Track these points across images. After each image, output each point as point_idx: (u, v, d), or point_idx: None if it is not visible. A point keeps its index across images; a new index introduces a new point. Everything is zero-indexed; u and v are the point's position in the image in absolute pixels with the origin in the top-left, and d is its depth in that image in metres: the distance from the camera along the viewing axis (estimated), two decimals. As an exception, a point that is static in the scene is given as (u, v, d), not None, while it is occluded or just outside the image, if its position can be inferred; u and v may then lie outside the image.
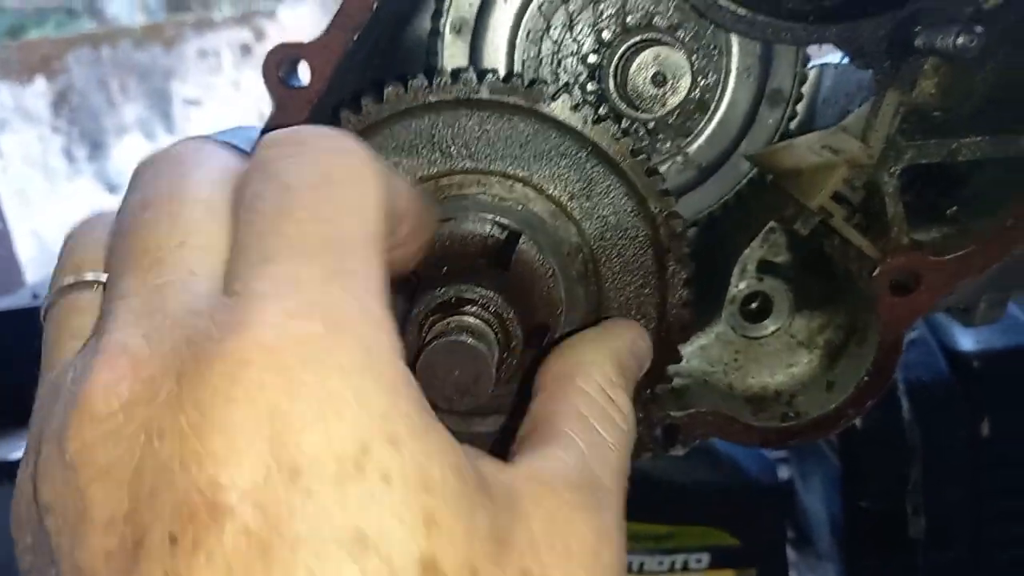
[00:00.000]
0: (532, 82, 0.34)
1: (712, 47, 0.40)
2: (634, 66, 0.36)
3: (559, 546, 0.25)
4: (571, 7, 0.38)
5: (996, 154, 0.38)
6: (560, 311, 0.37)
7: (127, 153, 4.33)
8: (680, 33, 0.38)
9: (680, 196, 0.45)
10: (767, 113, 0.43)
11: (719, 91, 0.42)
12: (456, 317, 0.31)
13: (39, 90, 4.09)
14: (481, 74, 0.34)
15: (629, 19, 0.37)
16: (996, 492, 0.76)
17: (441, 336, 0.30)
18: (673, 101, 0.37)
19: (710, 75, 0.41)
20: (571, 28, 0.38)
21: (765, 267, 0.46)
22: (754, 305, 0.46)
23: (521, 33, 0.39)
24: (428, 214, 0.30)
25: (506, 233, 0.35)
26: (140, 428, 0.21)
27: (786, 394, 0.46)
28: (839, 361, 0.45)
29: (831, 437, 0.72)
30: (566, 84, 0.39)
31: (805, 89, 0.44)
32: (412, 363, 0.29)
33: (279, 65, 0.36)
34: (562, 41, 0.38)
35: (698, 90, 0.40)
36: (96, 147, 4.23)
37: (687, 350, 0.45)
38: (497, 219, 0.35)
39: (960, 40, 0.31)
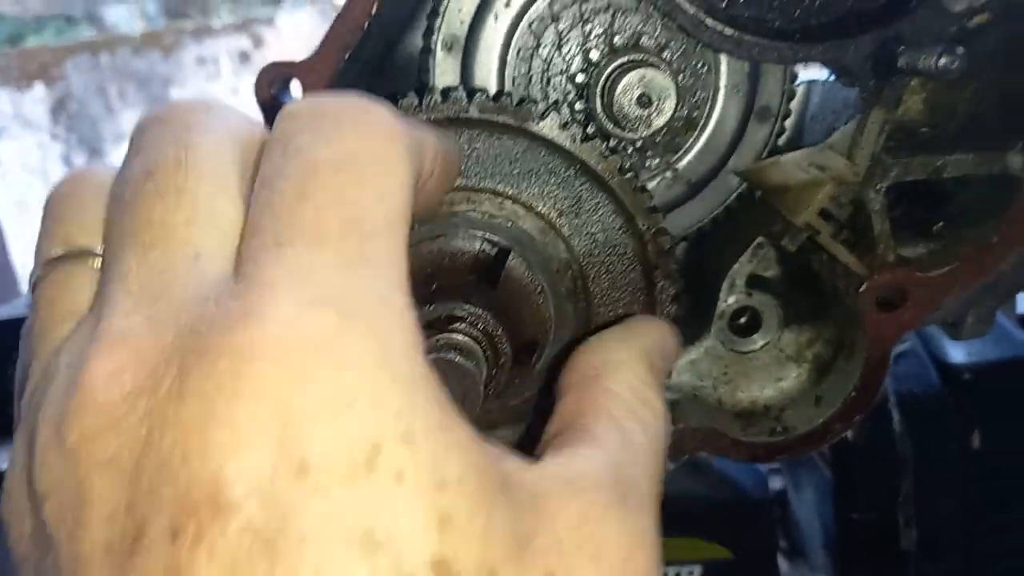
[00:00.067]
0: (521, 101, 0.35)
1: (700, 65, 0.41)
2: (620, 87, 0.36)
3: (588, 548, 0.24)
4: (560, 26, 0.38)
5: (980, 171, 0.38)
6: (549, 327, 0.37)
7: (125, 160, 4.31)
8: (667, 53, 0.38)
9: (670, 211, 0.45)
10: (756, 129, 0.44)
11: (708, 108, 0.43)
12: (445, 335, 0.31)
13: (38, 97, 4.10)
14: (471, 93, 0.34)
15: (617, 39, 0.37)
16: (988, 504, 0.76)
17: (429, 354, 0.31)
18: (659, 122, 0.37)
19: (698, 92, 0.41)
20: (560, 47, 0.38)
21: (754, 282, 0.46)
22: (743, 320, 0.46)
23: (512, 51, 0.40)
24: (454, 159, 0.28)
25: (496, 250, 0.36)
26: (142, 420, 0.20)
27: (775, 409, 0.46)
28: (827, 376, 0.45)
29: (823, 449, 0.72)
30: (555, 102, 0.39)
31: (793, 105, 0.44)
32: None
33: (271, 83, 0.37)
34: (551, 60, 0.39)
35: (686, 108, 0.41)
36: (95, 154, 4.23)
37: (677, 364, 0.45)
38: (487, 236, 0.36)
39: (942, 61, 0.32)
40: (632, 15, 0.37)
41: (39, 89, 4.05)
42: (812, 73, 0.46)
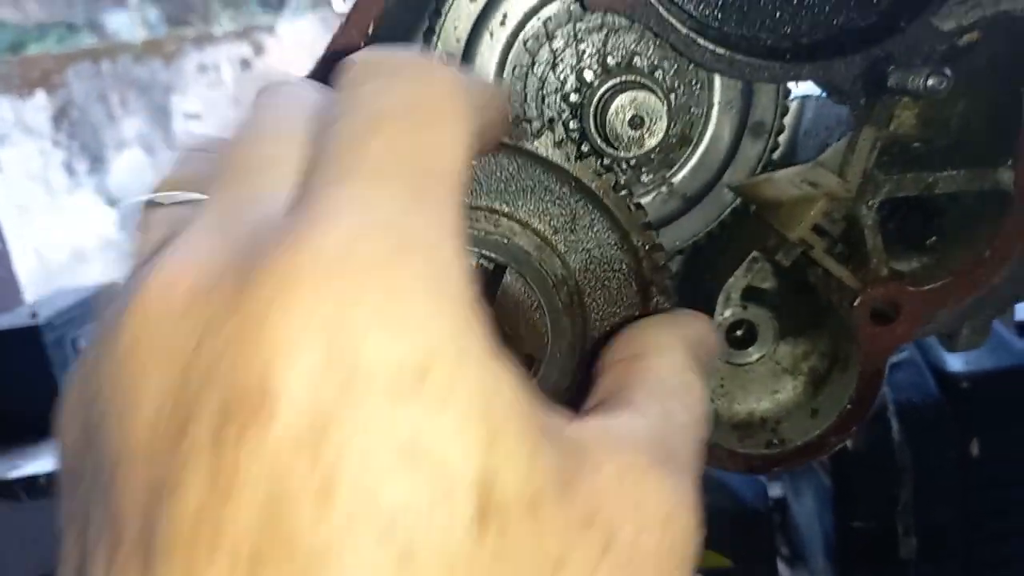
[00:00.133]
0: (516, 119, 0.35)
1: (694, 82, 0.41)
2: (612, 109, 0.37)
3: (629, 500, 0.24)
4: (555, 44, 0.39)
5: (972, 187, 0.39)
6: (546, 342, 0.37)
7: (127, 167, 4.34)
8: (660, 73, 0.38)
9: (665, 225, 0.45)
10: (750, 145, 0.44)
11: (702, 124, 0.43)
12: None
13: (40, 104, 4.11)
14: None
15: (610, 59, 0.38)
16: (987, 512, 0.76)
17: None
18: (651, 143, 0.37)
19: (693, 109, 0.42)
20: (554, 66, 0.38)
21: (749, 295, 0.46)
22: (739, 332, 0.47)
23: (507, 69, 0.40)
24: (507, 112, 0.30)
25: (492, 267, 0.36)
26: (195, 325, 0.21)
27: (772, 421, 0.47)
28: (823, 388, 0.46)
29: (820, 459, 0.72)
30: (550, 120, 0.39)
31: (787, 121, 0.44)
32: None
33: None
34: (546, 78, 0.39)
35: (680, 125, 0.41)
36: (96, 161, 4.25)
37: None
38: (483, 253, 0.36)
39: (930, 82, 0.32)
40: (625, 34, 0.38)
41: (41, 96, 4.07)
42: (806, 88, 0.46)
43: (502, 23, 0.39)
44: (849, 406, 0.43)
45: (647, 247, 0.38)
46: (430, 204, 0.22)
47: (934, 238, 0.43)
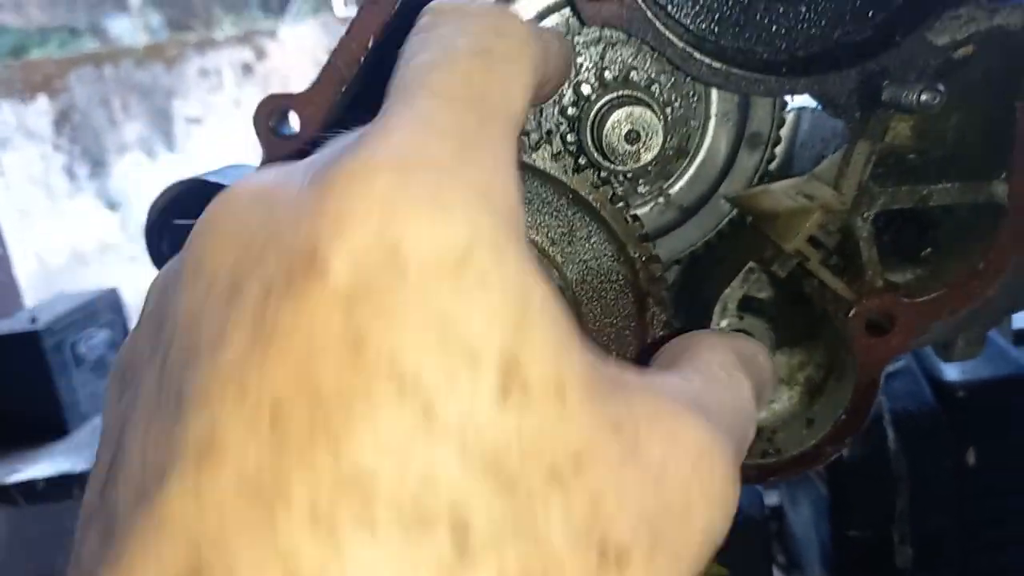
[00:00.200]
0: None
1: (691, 95, 0.41)
2: (608, 123, 0.37)
3: (663, 427, 0.24)
4: (553, 57, 0.39)
5: (966, 200, 0.39)
6: None
7: (128, 171, 4.35)
8: (656, 87, 0.39)
9: (662, 236, 0.46)
10: (746, 156, 0.44)
11: (699, 136, 0.43)
12: None
13: (41, 108, 4.12)
14: None
15: (607, 73, 0.38)
16: (983, 521, 0.76)
17: None
18: (647, 157, 0.38)
19: (690, 122, 0.42)
20: (552, 79, 0.39)
21: (746, 305, 0.47)
22: (735, 343, 0.47)
23: (505, 81, 0.41)
24: (570, 65, 0.31)
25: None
26: (266, 209, 0.22)
27: (767, 430, 0.47)
28: (818, 398, 0.46)
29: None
30: (548, 132, 0.40)
31: (783, 133, 0.45)
32: None
33: (270, 116, 0.38)
34: None
35: (677, 138, 0.41)
36: (97, 165, 4.26)
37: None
38: None
39: (924, 97, 0.32)
40: (622, 48, 0.38)
41: (42, 101, 4.08)
42: (802, 100, 0.46)
43: (501, 35, 0.40)
44: (844, 416, 0.43)
45: (643, 258, 0.38)
46: (490, 132, 0.24)
47: (929, 250, 0.43)
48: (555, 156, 0.36)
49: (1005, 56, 0.35)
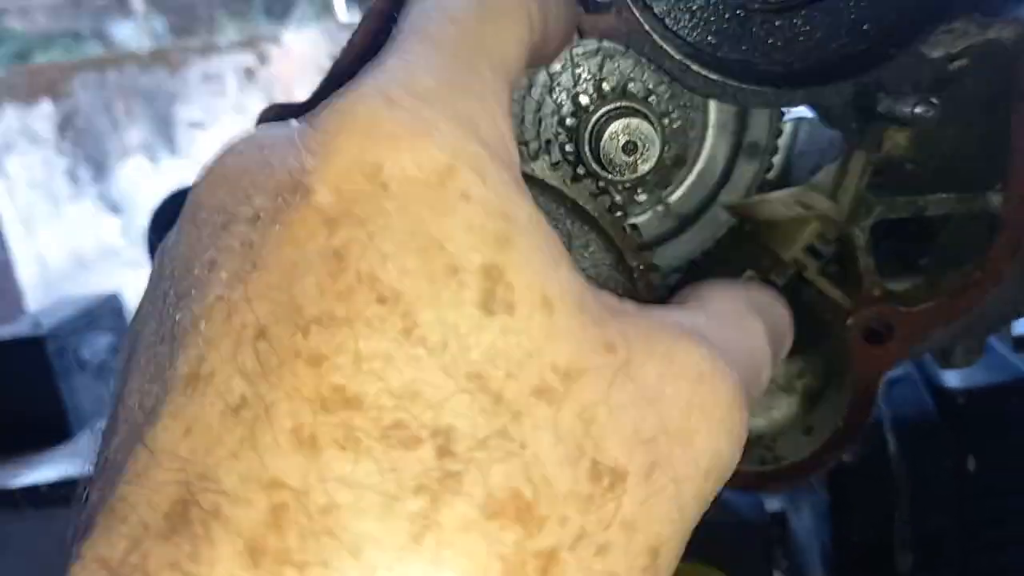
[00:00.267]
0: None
1: (689, 105, 0.42)
2: (607, 134, 0.37)
3: (659, 347, 0.23)
4: (553, 68, 0.39)
5: (962, 210, 0.39)
6: None
7: (130, 175, 4.36)
8: (654, 97, 0.39)
9: (662, 244, 0.46)
10: (745, 165, 0.45)
11: (698, 145, 0.44)
12: None
13: (45, 113, 4.14)
14: None
15: (605, 84, 0.38)
16: (983, 522, 0.77)
17: None
18: (644, 168, 0.38)
19: (688, 131, 0.42)
20: (551, 90, 0.39)
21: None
22: (734, 350, 0.47)
23: (505, 91, 0.41)
24: (573, 21, 0.32)
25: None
26: (256, 148, 0.23)
27: (767, 438, 0.47)
28: (817, 406, 0.46)
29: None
30: (547, 142, 0.40)
31: (781, 142, 0.45)
32: None
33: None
34: (543, 101, 0.40)
35: (675, 148, 0.42)
36: (100, 169, 4.27)
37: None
38: None
39: (918, 109, 0.33)
40: (621, 59, 0.38)
41: (46, 105, 4.09)
42: (801, 110, 0.47)
43: (501, 47, 0.40)
44: (843, 424, 0.44)
45: (642, 268, 0.38)
46: (480, 73, 0.24)
47: (926, 259, 0.43)
48: (553, 166, 0.36)
49: (1000, 69, 0.36)
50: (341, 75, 0.37)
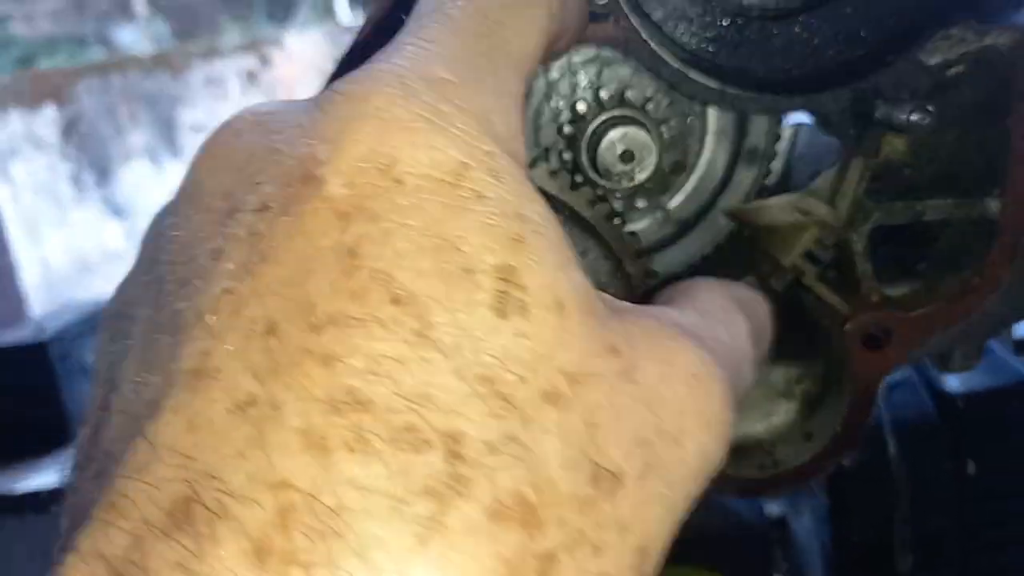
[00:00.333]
0: None
1: (688, 111, 0.42)
2: (603, 143, 0.38)
3: (659, 350, 0.23)
4: (551, 76, 0.40)
5: (960, 215, 0.40)
6: None
7: (134, 179, 4.37)
8: (652, 105, 0.39)
9: (661, 250, 0.46)
10: (744, 171, 0.45)
11: (697, 151, 0.44)
12: None
13: (49, 118, 4.15)
14: None
15: (603, 92, 0.38)
16: (983, 523, 0.77)
17: None
18: (641, 177, 0.38)
19: (687, 137, 0.43)
20: (549, 98, 0.39)
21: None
22: (734, 355, 0.47)
23: (504, 99, 0.41)
24: (586, 11, 0.32)
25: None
26: (260, 129, 0.22)
27: (766, 444, 0.47)
28: (816, 412, 0.46)
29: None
30: (545, 150, 0.40)
31: (781, 147, 0.45)
32: None
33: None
34: (541, 109, 0.40)
35: (673, 155, 0.42)
36: (104, 174, 4.28)
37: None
38: None
39: (914, 117, 0.33)
40: (619, 67, 0.39)
41: (50, 110, 4.10)
42: (800, 115, 0.47)
43: (500, 54, 0.40)
44: (842, 430, 0.44)
45: (640, 274, 0.39)
46: (497, 63, 0.24)
47: (925, 264, 0.43)
48: (552, 174, 0.36)
49: (997, 76, 0.36)
50: (355, 54, 0.38)
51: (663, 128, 0.40)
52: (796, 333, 0.48)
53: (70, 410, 1.30)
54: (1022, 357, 0.77)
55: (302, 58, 4.61)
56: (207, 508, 0.18)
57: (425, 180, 0.20)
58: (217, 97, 4.49)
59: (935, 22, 0.35)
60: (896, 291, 0.43)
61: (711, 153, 0.44)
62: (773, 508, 0.88)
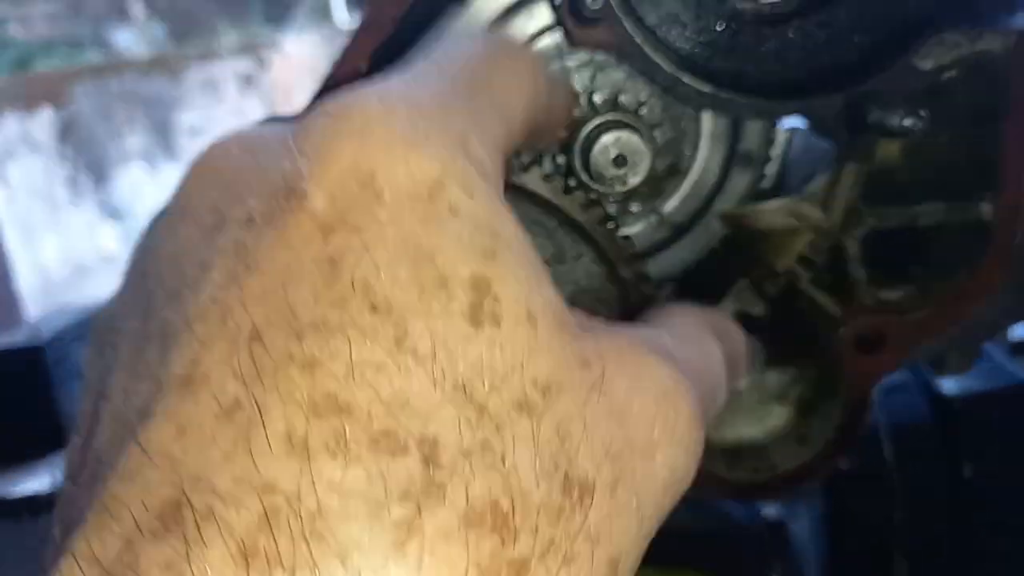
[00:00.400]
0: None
1: (682, 115, 0.42)
2: (596, 147, 0.38)
3: (629, 366, 0.24)
4: (545, 79, 0.40)
5: (954, 219, 0.40)
6: None
7: (130, 182, 4.37)
8: (645, 109, 0.39)
9: (656, 253, 0.46)
10: (738, 175, 0.45)
11: (691, 155, 0.44)
12: None
13: (45, 120, 4.14)
14: None
15: (596, 96, 0.38)
16: (979, 533, 0.77)
17: None
18: (634, 181, 0.38)
19: (681, 141, 0.43)
20: (543, 102, 0.39)
21: (738, 321, 0.47)
22: (728, 359, 0.47)
23: (498, 103, 0.41)
24: (572, 104, 0.33)
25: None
26: (247, 149, 0.24)
27: (761, 447, 0.47)
28: (810, 416, 0.46)
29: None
30: (539, 154, 0.40)
31: (776, 151, 0.45)
32: None
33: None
34: None
35: (667, 159, 0.42)
36: (100, 176, 4.27)
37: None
38: None
39: (907, 121, 0.33)
40: (612, 72, 0.39)
41: (46, 113, 4.09)
42: (795, 119, 0.47)
43: (494, 58, 0.40)
44: (836, 434, 0.44)
45: (634, 278, 0.39)
46: (478, 104, 0.25)
47: (920, 268, 0.43)
48: (545, 177, 0.36)
49: (990, 80, 0.36)
50: (336, 83, 0.38)
51: (656, 132, 0.40)
52: (790, 337, 0.48)
53: (66, 413, 1.30)
54: (1018, 360, 0.77)
55: (299, 61, 4.61)
56: (195, 511, 0.18)
57: (403, 194, 0.21)
58: (214, 100, 4.48)
59: (928, 27, 0.35)
60: (890, 295, 0.43)
61: (705, 157, 0.44)
62: (770, 511, 0.88)
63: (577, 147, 0.38)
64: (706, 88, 0.37)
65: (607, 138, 0.37)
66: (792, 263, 0.41)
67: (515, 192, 0.37)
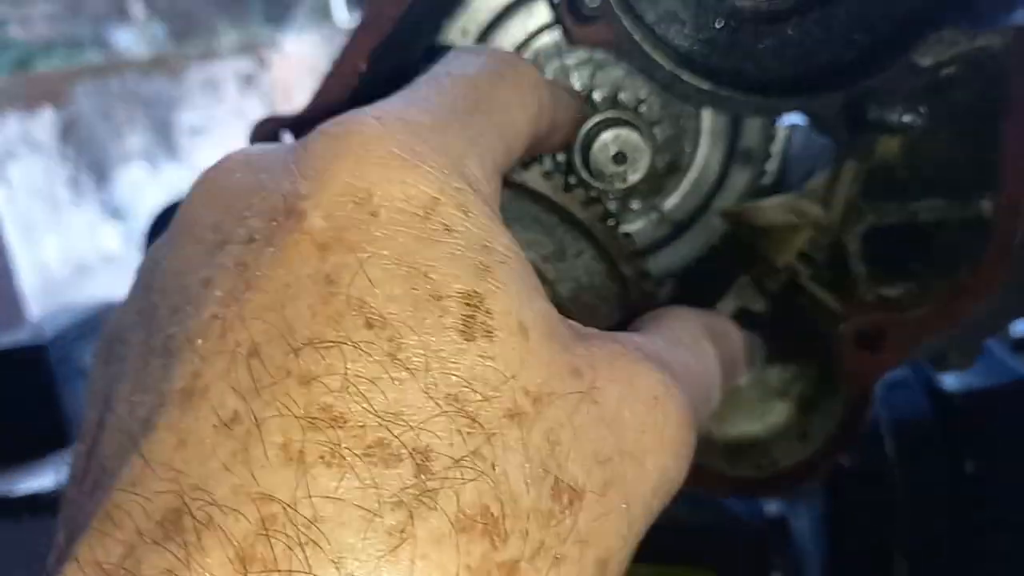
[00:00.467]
0: None
1: (682, 112, 0.42)
2: (596, 145, 0.38)
3: (621, 373, 0.24)
4: (545, 76, 0.40)
5: (954, 216, 0.40)
6: None
7: (131, 182, 4.37)
8: (645, 107, 0.39)
9: (657, 250, 0.46)
10: (738, 172, 0.45)
11: (691, 152, 0.44)
12: None
13: (46, 120, 4.14)
14: None
15: (595, 94, 0.39)
16: (981, 529, 0.77)
17: None
18: (634, 178, 0.38)
19: (681, 139, 0.43)
20: (544, 100, 0.39)
21: (739, 318, 0.47)
22: (729, 356, 0.47)
23: (498, 101, 0.41)
24: (580, 114, 0.34)
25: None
26: (249, 169, 0.24)
27: (762, 444, 0.47)
28: (812, 412, 0.46)
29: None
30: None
31: (776, 148, 0.45)
32: None
33: (266, 137, 0.38)
34: None
35: (667, 156, 0.42)
36: (101, 176, 4.27)
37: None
38: None
39: (906, 118, 0.33)
40: (612, 70, 0.39)
41: (47, 113, 4.10)
42: (795, 116, 0.47)
43: (494, 56, 0.40)
44: (837, 430, 0.44)
45: (635, 275, 0.39)
46: (478, 124, 0.25)
47: (919, 264, 0.43)
48: (546, 175, 0.36)
49: (989, 76, 0.36)
50: (336, 93, 0.38)
51: (656, 130, 0.40)
52: (791, 333, 0.48)
53: (68, 412, 1.30)
54: (1020, 356, 0.77)
55: (299, 60, 4.61)
56: (195, 519, 0.19)
57: (398, 213, 0.22)
58: (214, 99, 4.49)
59: (927, 24, 0.35)
60: (891, 292, 0.43)
61: (705, 154, 0.44)
62: (771, 508, 0.88)
63: (577, 144, 0.38)
64: (705, 85, 0.37)
65: (607, 135, 0.38)
66: (792, 260, 0.41)
67: (515, 189, 0.37)
